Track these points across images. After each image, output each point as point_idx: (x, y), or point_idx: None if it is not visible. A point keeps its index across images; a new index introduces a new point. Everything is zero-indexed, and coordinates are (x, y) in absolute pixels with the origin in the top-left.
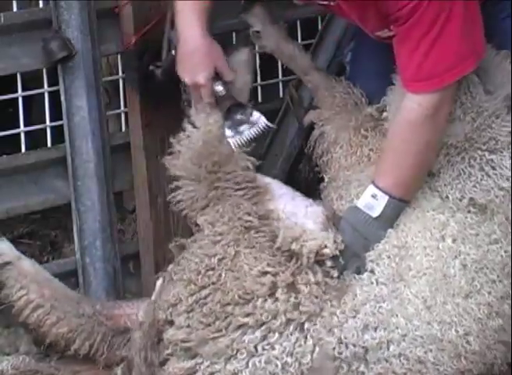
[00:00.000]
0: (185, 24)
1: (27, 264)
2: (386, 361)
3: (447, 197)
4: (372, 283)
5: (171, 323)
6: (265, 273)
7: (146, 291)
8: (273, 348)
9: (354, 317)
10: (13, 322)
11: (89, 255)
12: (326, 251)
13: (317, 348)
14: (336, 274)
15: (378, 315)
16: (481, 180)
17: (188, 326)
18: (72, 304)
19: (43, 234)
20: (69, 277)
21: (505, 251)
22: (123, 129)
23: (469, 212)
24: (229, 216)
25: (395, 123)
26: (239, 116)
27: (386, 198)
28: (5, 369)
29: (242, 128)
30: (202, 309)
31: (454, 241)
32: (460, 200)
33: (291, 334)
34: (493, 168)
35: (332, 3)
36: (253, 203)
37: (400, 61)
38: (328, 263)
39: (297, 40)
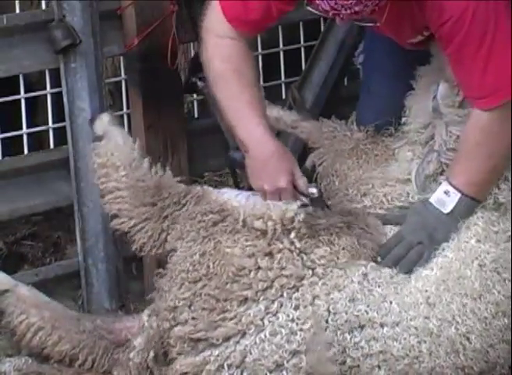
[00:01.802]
0: (250, 137)
1: (24, 289)
2: (385, 341)
3: None
4: (374, 268)
5: (175, 325)
6: (247, 247)
7: (148, 292)
8: (277, 318)
9: (340, 291)
10: None
11: (91, 257)
12: (288, 216)
13: (312, 314)
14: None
15: (367, 295)
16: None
17: (193, 318)
18: (72, 322)
19: (45, 236)
20: (72, 279)
21: None
22: (126, 130)
23: (492, 209)
24: (190, 224)
25: (467, 128)
26: None
27: (458, 195)
28: (8, 371)
29: None
30: (202, 298)
31: (478, 241)
32: (487, 200)
33: (289, 299)
34: None
35: (371, 24)
36: (204, 204)
37: (461, 81)
38: (292, 235)
39: (300, 41)
